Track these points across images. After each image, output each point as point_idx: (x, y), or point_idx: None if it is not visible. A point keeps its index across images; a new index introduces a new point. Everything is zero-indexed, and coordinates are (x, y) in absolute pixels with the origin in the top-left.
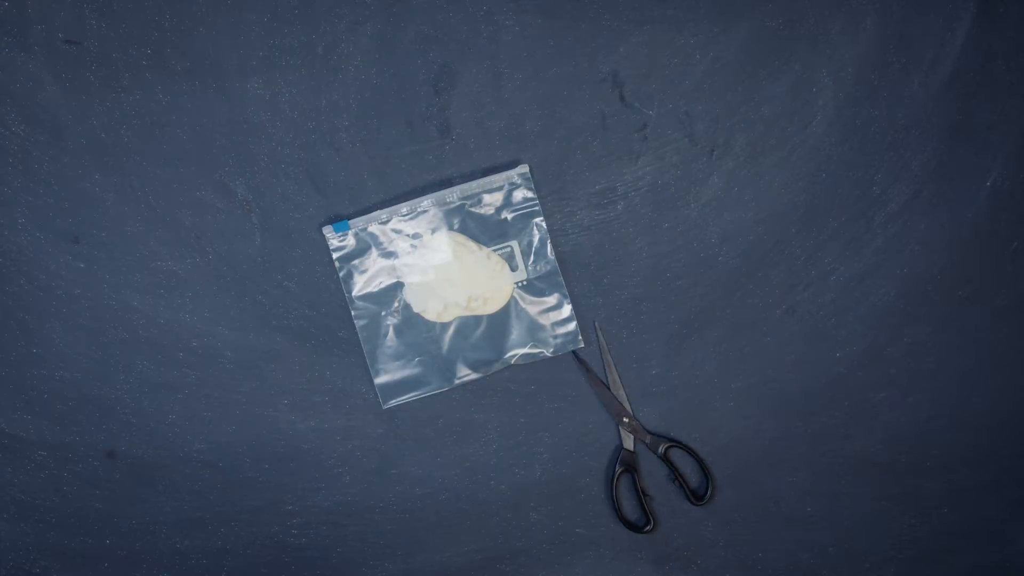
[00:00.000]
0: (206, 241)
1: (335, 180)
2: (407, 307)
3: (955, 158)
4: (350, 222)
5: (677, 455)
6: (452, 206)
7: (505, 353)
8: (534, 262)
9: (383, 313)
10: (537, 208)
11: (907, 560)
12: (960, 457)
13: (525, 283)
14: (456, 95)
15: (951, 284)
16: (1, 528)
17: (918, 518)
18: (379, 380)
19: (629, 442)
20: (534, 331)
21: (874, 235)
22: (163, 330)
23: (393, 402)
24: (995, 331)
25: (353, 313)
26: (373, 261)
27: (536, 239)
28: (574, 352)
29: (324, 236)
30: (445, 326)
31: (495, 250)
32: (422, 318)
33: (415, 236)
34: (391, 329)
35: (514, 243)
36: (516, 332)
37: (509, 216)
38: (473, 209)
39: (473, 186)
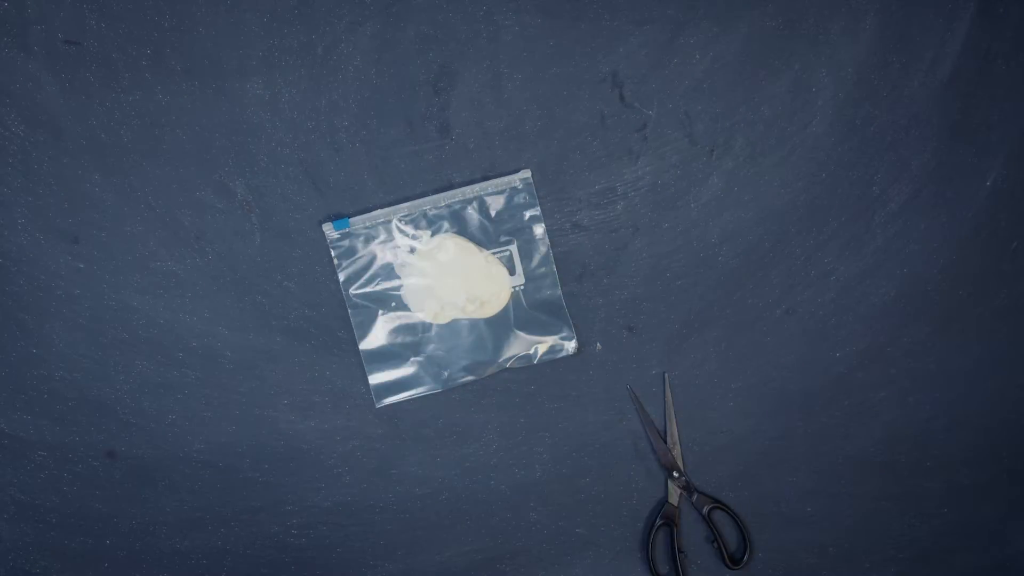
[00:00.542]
0: (206, 241)
1: (335, 180)
2: (404, 307)
3: (955, 158)
4: (350, 221)
5: (719, 516)
6: (453, 208)
7: (500, 357)
8: (533, 267)
9: (380, 312)
10: (538, 214)
11: (907, 560)
12: (960, 457)
13: (523, 287)
14: (456, 95)
15: (951, 284)
16: (1, 528)
17: (918, 518)
18: (373, 379)
19: (674, 497)
20: (530, 336)
21: (874, 235)
22: (163, 330)
23: (386, 401)
24: (995, 331)
25: (350, 311)
26: (372, 260)
27: (536, 245)
28: (631, 390)
29: (324, 234)
30: (441, 327)
31: (494, 253)
32: (419, 318)
33: (415, 237)
34: (387, 329)
35: (513, 247)
36: (512, 336)
37: (510, 221)
38: (474, 212)
39: (475, 189)
